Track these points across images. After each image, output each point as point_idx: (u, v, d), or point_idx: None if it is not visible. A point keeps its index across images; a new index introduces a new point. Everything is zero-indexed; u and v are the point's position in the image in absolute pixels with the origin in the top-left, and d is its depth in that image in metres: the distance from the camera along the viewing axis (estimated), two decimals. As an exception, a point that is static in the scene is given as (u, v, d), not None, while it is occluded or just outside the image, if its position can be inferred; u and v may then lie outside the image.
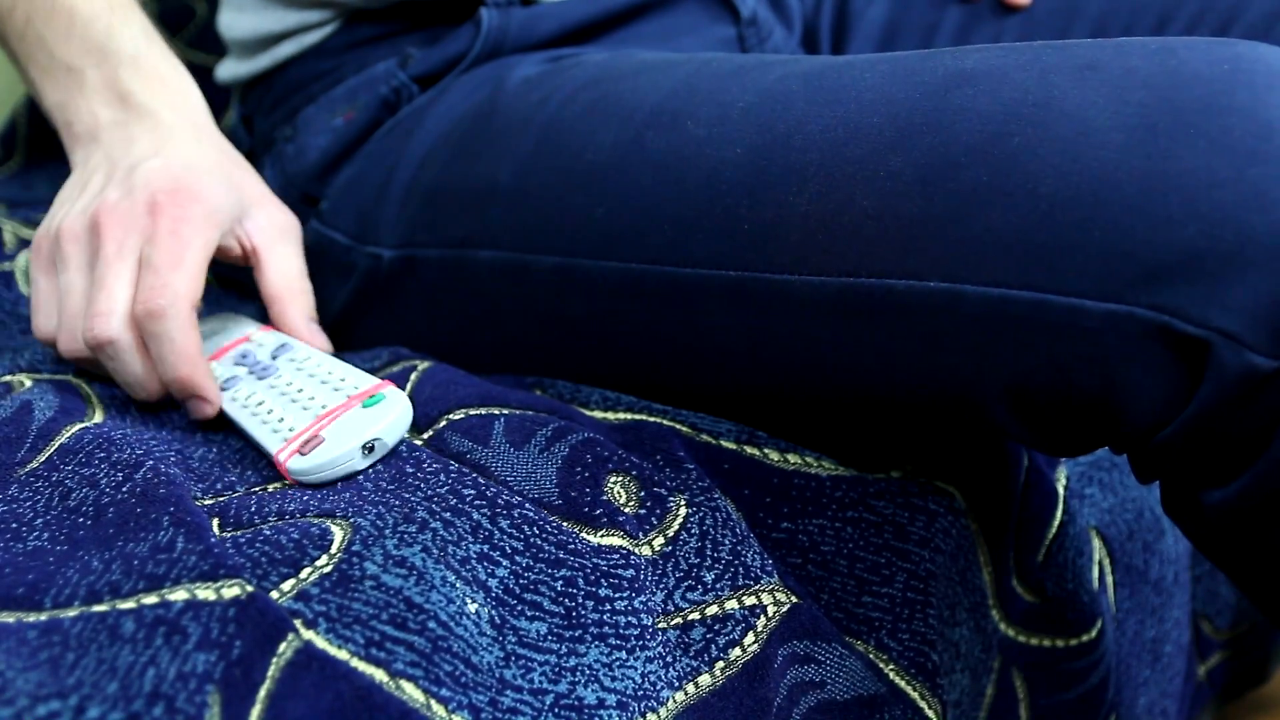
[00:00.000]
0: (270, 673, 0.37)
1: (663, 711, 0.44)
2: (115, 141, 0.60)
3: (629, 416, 0.56)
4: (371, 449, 0.48)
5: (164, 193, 0.56)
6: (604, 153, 0.56)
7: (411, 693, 0.39)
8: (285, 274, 0.61)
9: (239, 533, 0.44)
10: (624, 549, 0.47)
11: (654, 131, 0.55)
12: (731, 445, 0.54)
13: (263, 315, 0.64)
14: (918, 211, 0.46)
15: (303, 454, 0.48)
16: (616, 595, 0.45)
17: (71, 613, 0.38)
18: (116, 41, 0.62)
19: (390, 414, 0.49)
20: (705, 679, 0.47)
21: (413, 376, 0.58)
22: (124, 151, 0.60)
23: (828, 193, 0.48)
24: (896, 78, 0.49)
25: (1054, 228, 0.43)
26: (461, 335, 0.64)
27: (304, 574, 0.41)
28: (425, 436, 0.52)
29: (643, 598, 0.46)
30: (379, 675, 0.39)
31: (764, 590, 0.50)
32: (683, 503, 0.50)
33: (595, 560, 0.46)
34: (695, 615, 0.48)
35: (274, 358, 0.57)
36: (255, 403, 0.53)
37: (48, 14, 0.62)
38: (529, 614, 0.44)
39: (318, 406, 0.51)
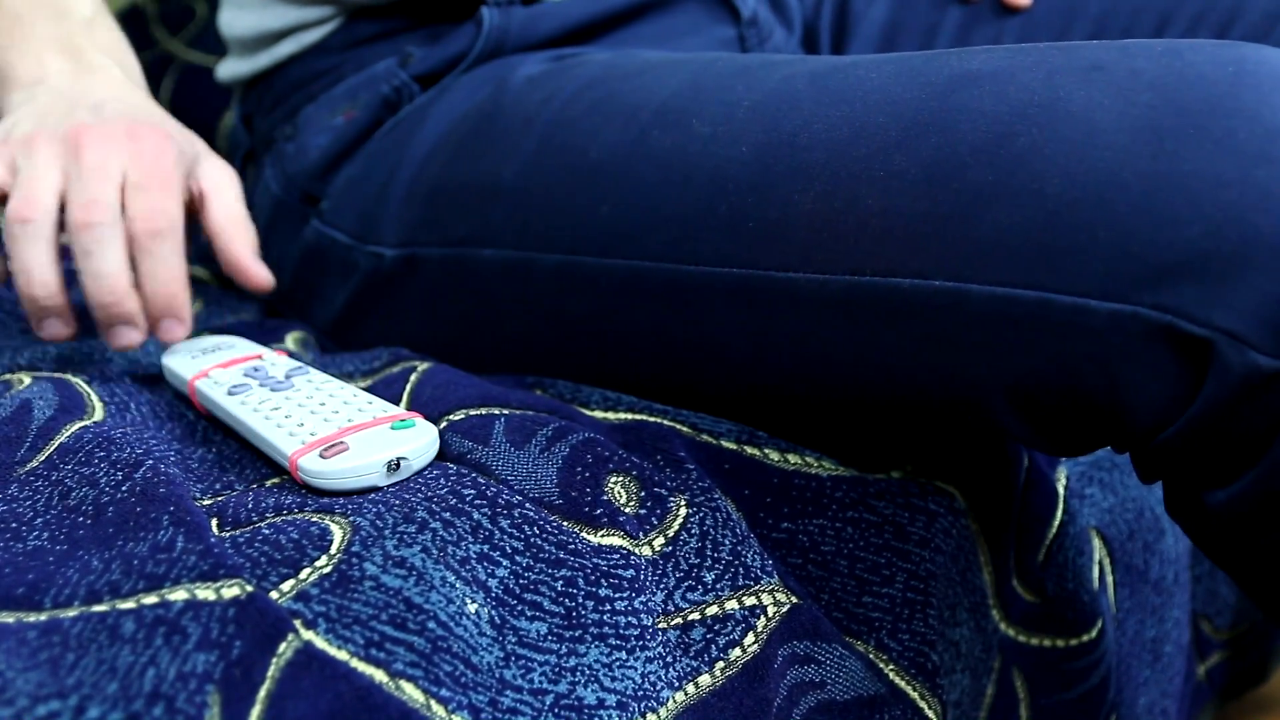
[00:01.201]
0: (270, 673, 0.37)
1: (663, 712, 0.44)
2: (67, 86, 0.61)
3: (629, 416, 0.56)
4: (396, 468, 0.47)
5: (140, 124, 0.58)
6: (608, 151, 0.56)
7: (411, 693, 0.39)
8: (230, 210, 0.62)
9: (238, 532, 0.44)
10: (624, 549, 0.47)
11: (659, 130, 0.55)
12: (732, 445, 0.54)
13: (264, 316, 0.64)
14: (923, 211, 0.46)
15: (324, 458, 0.47)
16: (616, 595, 0.45)
17: (71, 613, 0.38)
18: (71, 2, 0.64)
19: (420, 439, 0.48)
20: (705, 679, 0.47)
21: (412, 377, 0.58)
22: (81, 93, 0.61)
23: (833, 191, 0.48)
24: (902, 78, 0.49)
25: (1059, 228, 0.43)
26: (463, 334, 0.64)
27: (303, 574, 0.41)
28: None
29: (643, 598, 0.46)
30: (379, 675, 0.39)
31: (764, 590, 0.50)
32: (683, 503, 0.50)
33: (595, 560, 0.46)
34: (695, 615, 0.48)
35: (288, 376, 0.56)
36: (269, 408, 0.52)
37: None
38: (529, 614, 0.44)
39: (343, 419, 0.50)
